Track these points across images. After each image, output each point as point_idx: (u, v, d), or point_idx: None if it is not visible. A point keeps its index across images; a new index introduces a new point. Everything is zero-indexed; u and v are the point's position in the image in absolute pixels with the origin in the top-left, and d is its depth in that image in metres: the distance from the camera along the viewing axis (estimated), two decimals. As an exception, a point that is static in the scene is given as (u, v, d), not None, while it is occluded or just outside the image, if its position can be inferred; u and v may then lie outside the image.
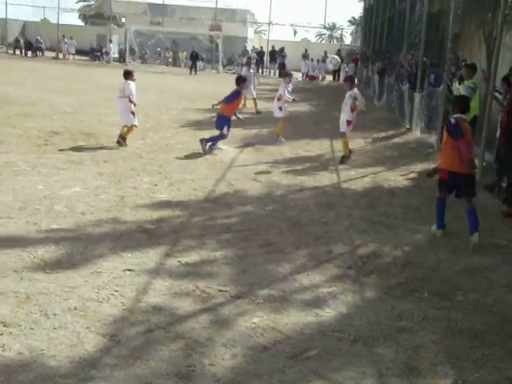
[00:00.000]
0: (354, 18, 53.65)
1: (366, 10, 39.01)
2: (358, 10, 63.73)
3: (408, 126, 15.70)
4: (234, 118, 11.58)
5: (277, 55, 38.89)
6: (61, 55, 41.50)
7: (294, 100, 13.07)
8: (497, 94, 10.02)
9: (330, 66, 33.22)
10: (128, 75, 11.21)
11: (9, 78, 22.55)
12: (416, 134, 14.69)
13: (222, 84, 23.44)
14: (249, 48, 42.25)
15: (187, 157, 10.58)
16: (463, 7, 13.27)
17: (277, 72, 38.43)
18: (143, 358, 3.82)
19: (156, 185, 8.41)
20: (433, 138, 13.09)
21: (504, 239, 6.94)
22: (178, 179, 8.83)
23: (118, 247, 5.81)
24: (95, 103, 16.75)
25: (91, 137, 11.67)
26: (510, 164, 8.69)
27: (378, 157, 11.96)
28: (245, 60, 24.75)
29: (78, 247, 5.72)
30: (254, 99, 18.21)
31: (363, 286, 5.31)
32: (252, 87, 17.81)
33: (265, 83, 27.46)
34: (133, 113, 11.07)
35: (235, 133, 12.28)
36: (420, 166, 11.02)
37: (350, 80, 11.42)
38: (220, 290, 4.96)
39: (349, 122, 10.80)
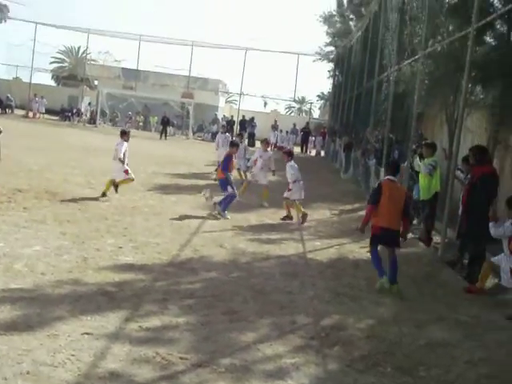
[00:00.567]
0: (322, 93, 55.31)
1: (334, 86, 40.39)
2: (326, 86, 65.61)
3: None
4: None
5: (247, 124, 39.57)
6: (31, 114, 41.53)
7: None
8: (458, 173, 10.37)
9: None
10: (124, 135, 11.61)
11: (-24, 134, 22.29)
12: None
13: (191, 150, 23.71)
14: (219, 116, 42.95)
15: (153, 220, 10.51)
16: (427, 89, 13.83)
17: (246, 141, 39.02)
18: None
19: (120, 247, 8.30)
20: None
21: (465, 315, 6.98)
22: (143, 242, 8.73)
23: (77, 309, 5.65)
24: (63, 162, 16.66)
25: (56, 196, 11.53)
26: (470, 241, 8.87)
27: (343, 229, 12.07)
28: (216, 127, 24.90)
29: (36, 308, 5.55)
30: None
31: (326, 358, 5.24)
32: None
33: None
34: (126, 171, 11.96)
35: (203, 199, 12.30)
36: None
37: (288, 153, 13.08)
38: (181, 358, 4.83)
39: (288, 189, 12.26)
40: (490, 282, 8.34)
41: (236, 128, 39.80)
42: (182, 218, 11.04)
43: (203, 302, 6.37)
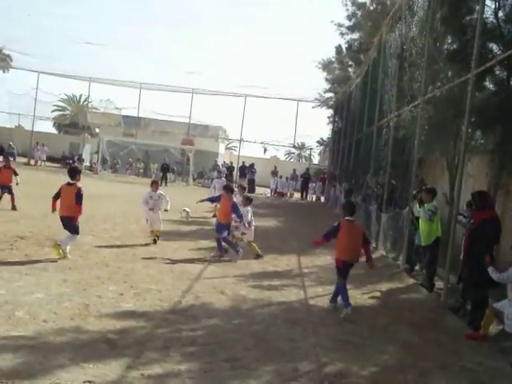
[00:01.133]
0: (322, 138, 55.66)
1: (334, 132, 40.74)
2: (326, 132, 66.29)
3: (374, 245, 15.98)
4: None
5: (247, 170, 39.84)
6: (32, 161, 41.91)
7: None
8: (461, 218, 10.34)
9: None
10: (154, 184, 13.33)
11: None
12: (382, 252, 14.91)
13: (190, 196, 23.78)
14: (219, 162, 43.28)
15: (154, 267, 10.49)
16: (427, 134, 13.92)
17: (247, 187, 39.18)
18: None
19: (121, 294, 8.27)
20: (399, 258, 13.31)
21: (469, 362, 6.92)
22: (144, 289, 8.71)
23: (79, 357, 5.61)
24: (64, 209, 16.66)
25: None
26: (472, 287, 8.84)
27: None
28: (215, 174, 24.90)
29: (37, 356, 5.51)
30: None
31: (330, 407, 5.18)
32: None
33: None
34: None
35: (205, 244, 12.31)
36: (386, 285, 11.15)
37: (247, 199, 13.18)
38: (183, 407, 4.78)
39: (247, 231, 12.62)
40: (494, 328, 8.28)
41: (236, 174, 40.09)
42: (182, 264, 11.03)
43: (205, 349, 6.32)
